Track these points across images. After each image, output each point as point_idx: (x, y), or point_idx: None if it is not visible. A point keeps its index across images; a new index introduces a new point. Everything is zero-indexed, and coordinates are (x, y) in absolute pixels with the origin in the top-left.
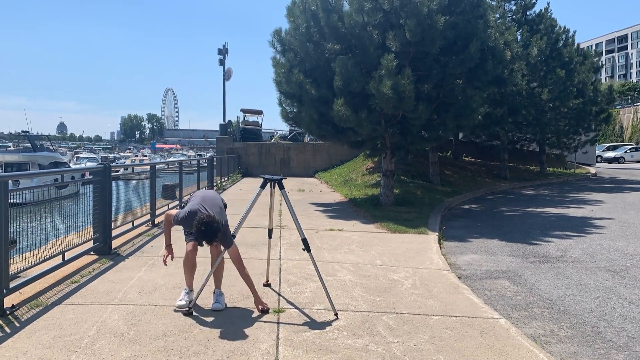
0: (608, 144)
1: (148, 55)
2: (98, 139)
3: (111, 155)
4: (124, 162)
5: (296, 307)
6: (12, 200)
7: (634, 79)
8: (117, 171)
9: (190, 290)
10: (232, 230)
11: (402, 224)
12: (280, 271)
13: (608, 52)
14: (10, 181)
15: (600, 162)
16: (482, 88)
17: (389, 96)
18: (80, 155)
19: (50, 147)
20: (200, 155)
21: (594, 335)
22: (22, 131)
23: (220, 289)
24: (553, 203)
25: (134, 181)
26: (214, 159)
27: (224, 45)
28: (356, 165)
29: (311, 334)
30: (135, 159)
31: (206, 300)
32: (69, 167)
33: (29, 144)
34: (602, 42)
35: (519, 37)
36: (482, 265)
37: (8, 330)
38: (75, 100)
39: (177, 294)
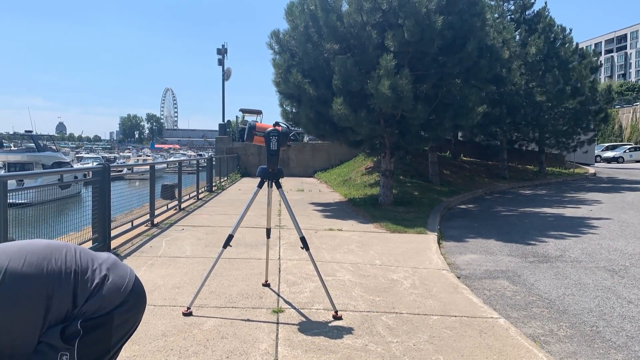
0: (607, 144)
1: (148, 55)
2: (97, 139)
3: (111, 155)
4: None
5: (295, 307)
6: (12, 201)
7: (633, 79)
8: (121, 171)
9: None
10: (230, 230)
11: (401, 224)
12: (279, 271)
13: (607, 52)
14: (14, 181)
15: (600, 161)
16: (481, 87)
17: (388, 96)
18: (84, 155)
19: (53, 147)
20: (200, 155)
21: (593, 335)
22: (26, 131)
23: None
24: (552, 203)
25: (137, 182)
26: (213, 159)
27: (223, 45)
28: (355, 165)
29: (310, 333)
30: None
31: (205, 300)
32: (72, 167)
33: (33, 144)
34: (601, 42)
35: (517, 37)
36: (481, 265)
37: None
38: (42, 97)
39: (176, 294)
